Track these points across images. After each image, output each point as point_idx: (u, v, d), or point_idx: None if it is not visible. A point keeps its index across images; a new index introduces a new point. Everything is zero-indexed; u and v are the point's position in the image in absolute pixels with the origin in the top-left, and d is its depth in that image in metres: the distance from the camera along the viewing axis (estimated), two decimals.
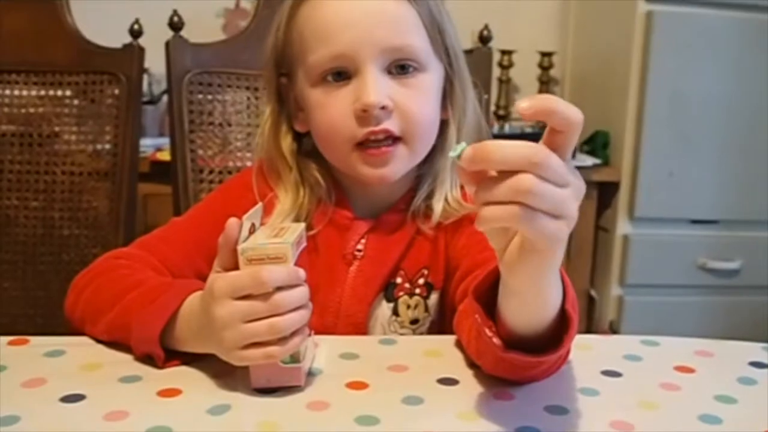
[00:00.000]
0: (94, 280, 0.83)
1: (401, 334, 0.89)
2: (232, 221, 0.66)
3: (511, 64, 2.45)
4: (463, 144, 0.53)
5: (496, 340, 0.63)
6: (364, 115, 0.80)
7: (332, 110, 0.82)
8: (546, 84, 2.51)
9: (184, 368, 0.71)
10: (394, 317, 0.89)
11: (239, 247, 0.64)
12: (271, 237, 0.66)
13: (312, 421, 0.63)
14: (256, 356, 0.64)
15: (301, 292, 0.65)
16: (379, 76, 0.81)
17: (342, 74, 0.82)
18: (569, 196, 0.52)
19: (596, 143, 2.20)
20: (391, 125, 0.81)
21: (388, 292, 0.89)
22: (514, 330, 0.62)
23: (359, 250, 0.89)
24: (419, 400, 0.66)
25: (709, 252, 2.14)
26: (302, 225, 0.71)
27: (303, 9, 0.84)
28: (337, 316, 0.87)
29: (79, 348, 0.77)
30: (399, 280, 0.89)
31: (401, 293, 0.89)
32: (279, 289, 0.63)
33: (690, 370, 0.75)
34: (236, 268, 0.65)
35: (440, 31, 0.85)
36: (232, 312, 0.64)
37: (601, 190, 2.16)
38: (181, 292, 0.72)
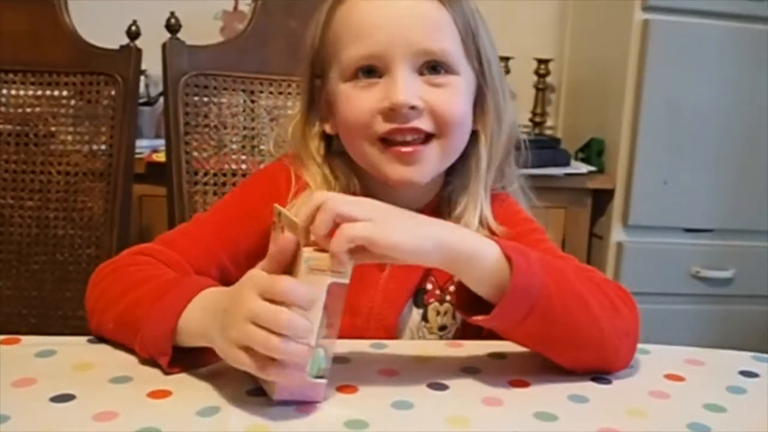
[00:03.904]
0: (110, 274, 0.82)
1: (429, 340, 0.89)
2: (292, 239, 0.64)
3: (507, 71, 2.45)
4: None
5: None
6: (391, 114, 0.80)
7: (359, 104, 0.82)
8: (542, 90, 2.51)
9: None
10: (423, 323, 0.89)
11: (304, 255, 0.62)
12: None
13: (301, 424, 0.63)
14: (244, 362, 0.61)
15: (305, 326, 0.60)
16: (410, 77, 0.81)
17: (373, 72, 0.82)
18: None
19: (591, 150, 2.20)
20: (422, 124, 0.81)
21: (418, 298, 0.89)
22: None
23: None
24: (409, 405, 0.66)
25: (702, 260, 2.14)
26: None
27: (340, 10, 0.85)
28: (368, 320, 0.87)
29: (70, 348, 0.77)
30: (429, 286, 0.89)
31: (432, 300, 0.89)
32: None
33: (680, 379, 0.76)
34: None
35: (474, 36, 0.85)
36: (250, 307, 0.60)
37: (596, 198, 2.16)
38: (190, 290, 0.71)
